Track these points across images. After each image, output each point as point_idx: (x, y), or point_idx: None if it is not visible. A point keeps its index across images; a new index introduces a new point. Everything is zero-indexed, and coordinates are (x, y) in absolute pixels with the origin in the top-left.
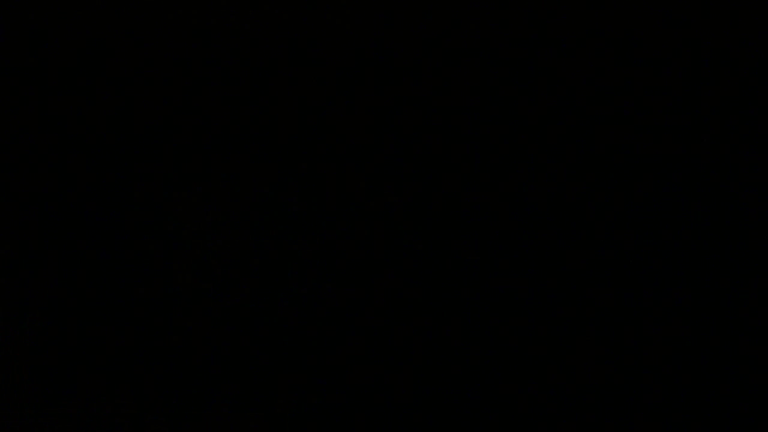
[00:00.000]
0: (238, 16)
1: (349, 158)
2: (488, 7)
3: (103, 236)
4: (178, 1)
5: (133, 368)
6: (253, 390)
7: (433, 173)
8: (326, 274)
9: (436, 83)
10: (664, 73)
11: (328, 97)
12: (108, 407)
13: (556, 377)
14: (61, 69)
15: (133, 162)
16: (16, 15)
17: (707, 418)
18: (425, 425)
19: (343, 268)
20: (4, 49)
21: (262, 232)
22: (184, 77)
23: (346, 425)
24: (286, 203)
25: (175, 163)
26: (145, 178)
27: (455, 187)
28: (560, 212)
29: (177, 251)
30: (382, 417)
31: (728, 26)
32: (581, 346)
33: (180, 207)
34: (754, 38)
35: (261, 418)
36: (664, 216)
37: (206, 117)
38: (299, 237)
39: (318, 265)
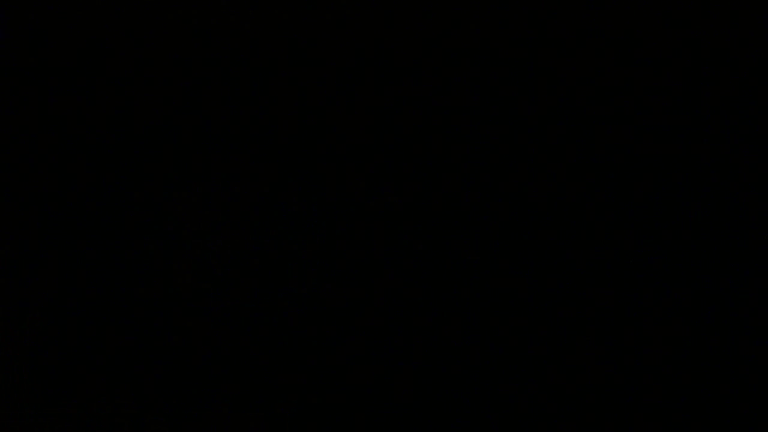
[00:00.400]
0: (238, 16)
1: (349, 158)
2: (488, 7)
3: (103, 236)
4: (178, 1)
5: (133, 368)
6: (253, 390)
7: (433, 173)
8: (326, 274)
9: (436, 83)
10: (664, 73)
11: (328, 97)
12: (108, 407)
13: (556, 377)
14: (61, 69)
15: (133, 162)
16: (16, 15)
17: (707, 418)
18: (425, 425)
19: (343, 268)
20: (4, 49)
21: (262, 232)
22: (184, 77)
23: (346, 425)
24: (286, 203)
25: (175, 163)
26: (145, 178)
27: (455, 187)
28: (560, 212)
29: (177, 251)
30: (382, 417)
31: (728, 26)
32: (581, 346)
33: (180, 207)
34: (755, 38)
35: (261, 418)
36: (664, 216)
37: (206, 117)
38: (299, 237)
39: (318, 265)
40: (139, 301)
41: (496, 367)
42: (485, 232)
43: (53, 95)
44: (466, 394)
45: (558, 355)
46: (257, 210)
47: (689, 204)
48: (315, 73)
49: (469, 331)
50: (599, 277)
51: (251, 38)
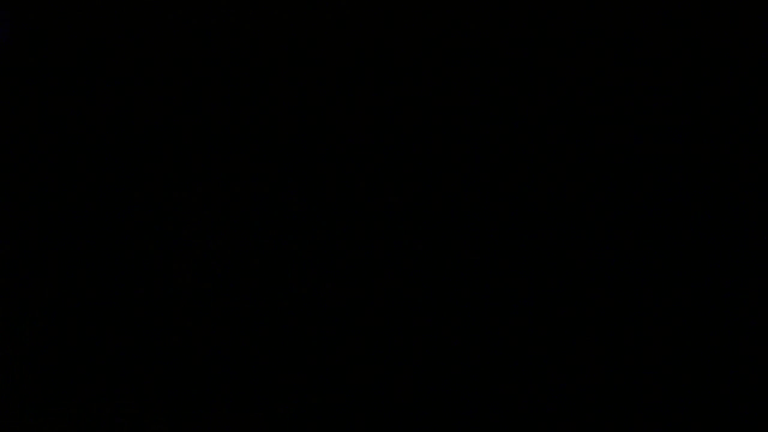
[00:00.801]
0: (238, 16)
1: (349, 158)
2: (488, 7)
3: (104, 236)
4: (178, 1)
5: (133, 368)
6: (253, 390)
7: (433, 173)
8: (326, 274)
9: (436, 83)
10: (664, 73)
11: (328, 97)
12: (108, 407)
13: (556, 377)
14: (62, 69)
15: (133, 162)
16: (19, 15)
17: (707, 418)
18: (425, 425)
19: (343, 268)
20: (6, 49)
21: (262, 232)
22: (184, 77)
23: (346, 425)
24: (286, 203)
25: (175, 163)
26: (145, 178)
27: (455, 187)
28: (560, 212)
29: (177, 251)
30: (383, 417)
31: (728, 26)
32: (581, 346)
33: (180, 207)
34: (755, 38)
35: (261, 418)
36: (664, 216)
37: (206, 117)
38: (299, 237)
39: (318, 265)
40: (139, 301)
41: (496, 367)
42: (485, 232)
43: (54, 95)
44: (466, 394)
45: (558, 355)
46: (257, 210)
47: (689, 204)
48: (315, 73)
49: (469, 331)
50: (599, 277)
51: (251, 38)
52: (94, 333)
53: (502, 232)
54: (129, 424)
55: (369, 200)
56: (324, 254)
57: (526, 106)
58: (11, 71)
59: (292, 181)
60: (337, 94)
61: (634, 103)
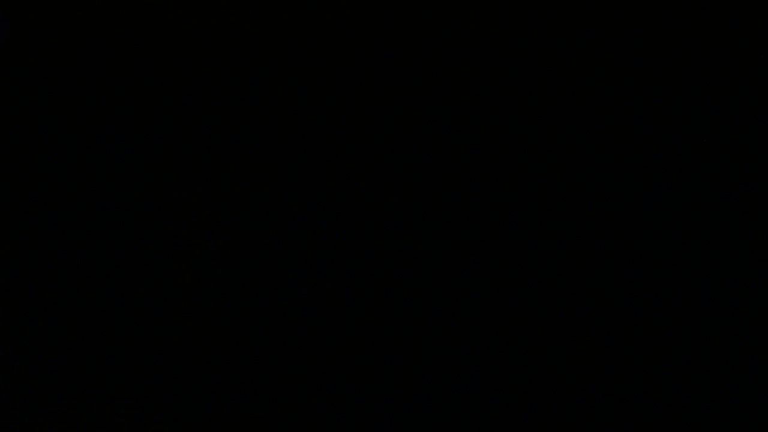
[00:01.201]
0: (238, 16)
1: (349, 158)
2: (488, 7)
3: (104, 236)
4: (178, 1)
5: (133, 368)
6: (253, 390)
7: (433, 173)
8: (326, 274)
9: (436, 83)
10: (664, 73)
11: (328, 97)
12: (108, 407)
13: (556, 377)
14: (62, 69)
15: (133, 162)
16: (18, 15)
17: (707, 418)
18: (425, 425)
19: (343, 268)
20: (5, 49)
21: (262, 232)
22: (184, 77)
23: (346, 425)
24: (286, 203)
25: (175, 163)
26: (145, 178)
27: (455, 187)
28: (560, 212)
29: (177, 251)
30: (383, 417)
31: (728, 26)
32: (581, 346)
33: (180, 207)
34: (755, 38)
35: (261, 418)
36: (664, 216)
37: (206, 117)
38: (299, 237)
39: (318, 265)
40: (139, 301)
41: (496, 367)
42: (485, 232)
43: (54, 95)
44: (466, 394)
45: (558, 355)
46: (257, 210)
47: (689, 204)
48: (315, 73)
49: (469, 331)
50: (599, 277)
51: (251, 38)
52: (94, 333)
53: (502, 232)
54: (129, 424)
55: (369, 200)
56: (324, 254)
57: (526, 106)
58: (11, 71)
59: (292, 181)
60: (337, 94)
61: (635, 103)
